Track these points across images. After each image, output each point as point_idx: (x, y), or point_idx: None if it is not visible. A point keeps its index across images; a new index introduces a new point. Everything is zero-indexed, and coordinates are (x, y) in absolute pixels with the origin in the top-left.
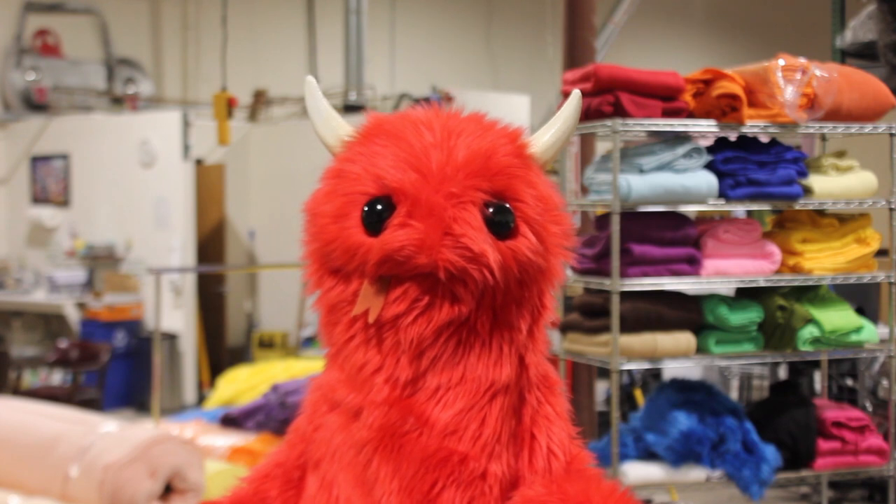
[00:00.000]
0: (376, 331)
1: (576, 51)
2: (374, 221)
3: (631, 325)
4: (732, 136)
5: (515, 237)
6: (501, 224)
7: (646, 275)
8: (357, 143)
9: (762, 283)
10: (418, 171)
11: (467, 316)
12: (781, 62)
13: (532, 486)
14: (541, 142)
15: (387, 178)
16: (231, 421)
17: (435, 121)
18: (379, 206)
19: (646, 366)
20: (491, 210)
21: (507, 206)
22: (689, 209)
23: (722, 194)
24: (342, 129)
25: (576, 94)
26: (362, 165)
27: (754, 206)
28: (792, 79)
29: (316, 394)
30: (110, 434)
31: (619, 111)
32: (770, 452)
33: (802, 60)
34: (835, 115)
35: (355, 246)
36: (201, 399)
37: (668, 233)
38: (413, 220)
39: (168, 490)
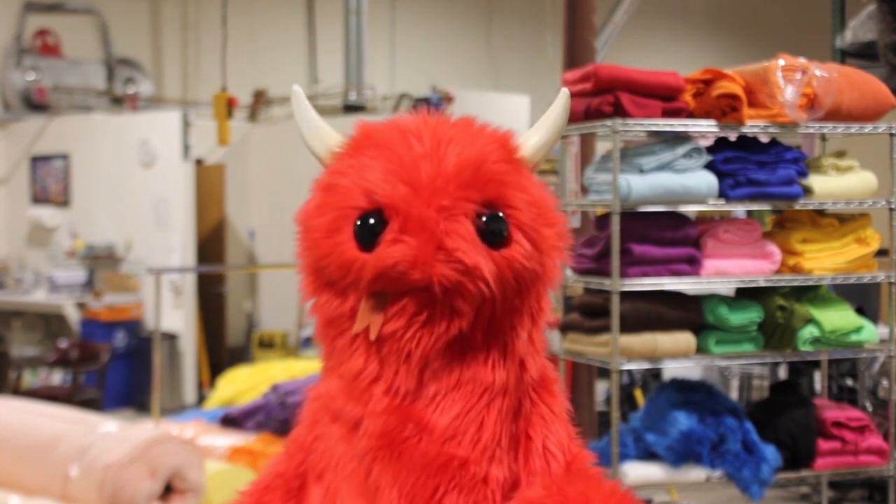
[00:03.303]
0: (376, 344)
1: (576, 51)
2: (367, 236)
3: (631, 325)
4: (732, 136)
5: (509, 245)
6: (495, 233)
7: (646, 275)
8: (346, 155)
9: (762, 283)
10: (408, 183)
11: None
12: (781, 62)
13: (531, 488)
14: (530, 144)
15: (377, 192)
16: (231, 421)
17: (424, 129)
18: (371, 221)
19: (646, 366)
20: (483, 220)
21: (500, 214)
22: (689, 209)
23: (722, 194)
24: (331, 139)
25: (564, 92)
26: (352, 179)
27: (754, 206)
28: (792, 79)
29: (315, 403)
30: (110, 434)
31: (619, 111)
32: (770, 452)
33: (802, 60)
34: (835, 115)
35: (349, 262)
36: (201, 399)
37: (668, 233)
38: (406, 236)
39: (168, 490)
